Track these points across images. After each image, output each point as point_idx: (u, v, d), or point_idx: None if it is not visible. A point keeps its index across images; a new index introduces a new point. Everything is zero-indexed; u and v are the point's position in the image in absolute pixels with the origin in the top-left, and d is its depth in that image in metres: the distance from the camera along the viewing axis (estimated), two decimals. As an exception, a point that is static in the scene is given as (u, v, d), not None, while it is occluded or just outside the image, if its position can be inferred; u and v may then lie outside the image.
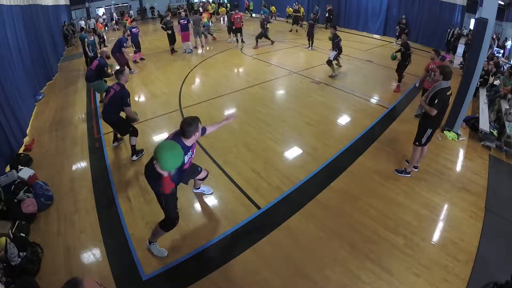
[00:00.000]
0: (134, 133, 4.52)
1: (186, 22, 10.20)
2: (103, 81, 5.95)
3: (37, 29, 8.14)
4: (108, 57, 6.57)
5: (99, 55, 6.30)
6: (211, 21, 16.82)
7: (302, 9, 15.67)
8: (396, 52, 7.73)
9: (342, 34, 12.66)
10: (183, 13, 11.15)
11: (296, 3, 15.80)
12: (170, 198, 2.72)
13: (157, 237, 2.98)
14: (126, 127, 4.48)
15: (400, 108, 6.32)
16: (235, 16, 11.41)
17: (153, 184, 2.68)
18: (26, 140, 5.22)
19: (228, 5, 20.95)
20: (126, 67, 8.02)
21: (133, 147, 4.58)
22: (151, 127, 5.61)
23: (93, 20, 14.77)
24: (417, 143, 3.97)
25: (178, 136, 2.57)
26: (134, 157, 4.62)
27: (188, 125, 2.49)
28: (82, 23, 14.05)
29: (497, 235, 3.27)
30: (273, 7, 17.87)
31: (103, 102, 4.61)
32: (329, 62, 8.07)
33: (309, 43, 11.48)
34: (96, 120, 5.97)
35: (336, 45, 7.86)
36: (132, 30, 9.33)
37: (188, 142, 2.59)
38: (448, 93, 3.63)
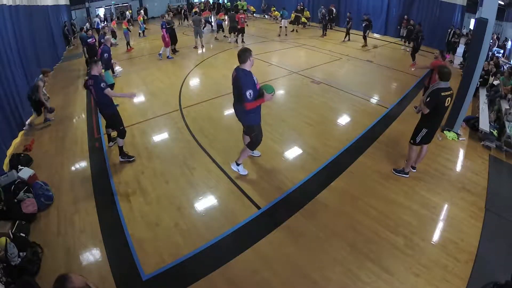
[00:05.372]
0: (122, 134, 4.40)
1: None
2: (108, 72, 6.46)
3: (37, 29, 8.14)
4: (111, 45, 7.23)
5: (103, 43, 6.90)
6: (211, 21, 16.89)
7: (307, 12, 15.70)
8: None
9: (342, 34, 12.79)
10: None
11: (301, 3, 15.81)
12: (258, 127, 3.81)
13: (244, 156, 4.04)
14: (119, 122, 4.37)
15: (400, 108, 6.32)
16: (240, 16, 11.44)
17: (246, 119, 3.71)
18: (18, 140, 5.21)
19: (228, 4, 21.00)
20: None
21: (120, 148, 4.48)
22: (151, 127, 5.61)
23: (96, 19, 15.85)
24: (411, 141, 3.94)
25: (239, 68, 3.52)
26: (121, 158, 4.51)
27: (243, 52, 3.44)
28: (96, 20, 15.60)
29: (497, 235, 3.27)
30: (276, 12, 17.93)
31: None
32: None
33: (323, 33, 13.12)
34: (96, 120, 5.97)
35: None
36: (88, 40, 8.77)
37: (247, 67, 3.51)
38: (442, 94, 3.50)
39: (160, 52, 10.16)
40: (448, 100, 3.60)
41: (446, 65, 5.13)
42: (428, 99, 3.57)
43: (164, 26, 9.68)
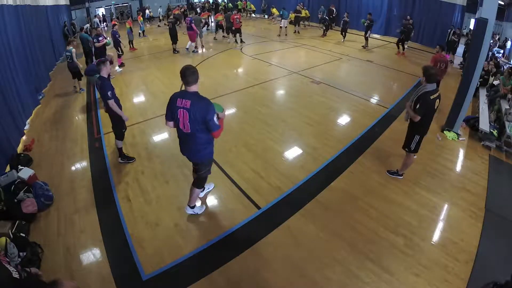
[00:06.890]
0: (121, 136, 4.34)
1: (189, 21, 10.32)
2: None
3: (37, 29, 8.14)
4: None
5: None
6: (211, 21, 16.92)
7: (306, 11, 15.71)
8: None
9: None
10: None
11: (301, 3, 15.81)
12: (212, 161, 3.29)
13: (196, 197, 3.44)
14: (120, 127, 4.29)
15: (400, 108, 6.31)
16: (234, 17, 11.43)
17: (206, 153, 3.08)
18: (23, 139, 5.23)
19: (230, 4, 21.02)
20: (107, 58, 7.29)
21: (119, 150, 4.46)
22: (151, 127, 5.61)
23: (95, 20, 16.26)
24: (406, 150, 3.87)
25: (194, 93, 2.76)
26: (120, 160, 4.49)
27: (193, 71, 2.71)
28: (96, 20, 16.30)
29: (497, 235, 3.27)
30: (274, 9, 17.96)
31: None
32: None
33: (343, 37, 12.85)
34: (96, 120, 5.97)
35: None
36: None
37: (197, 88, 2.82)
38: (432, 97, 3.39)
39: (187, 47, 10.93)
40: (437, 102, 3.49)
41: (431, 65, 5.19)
42: (418, 106, 3.44)
43: (192, 22, 10.25)
